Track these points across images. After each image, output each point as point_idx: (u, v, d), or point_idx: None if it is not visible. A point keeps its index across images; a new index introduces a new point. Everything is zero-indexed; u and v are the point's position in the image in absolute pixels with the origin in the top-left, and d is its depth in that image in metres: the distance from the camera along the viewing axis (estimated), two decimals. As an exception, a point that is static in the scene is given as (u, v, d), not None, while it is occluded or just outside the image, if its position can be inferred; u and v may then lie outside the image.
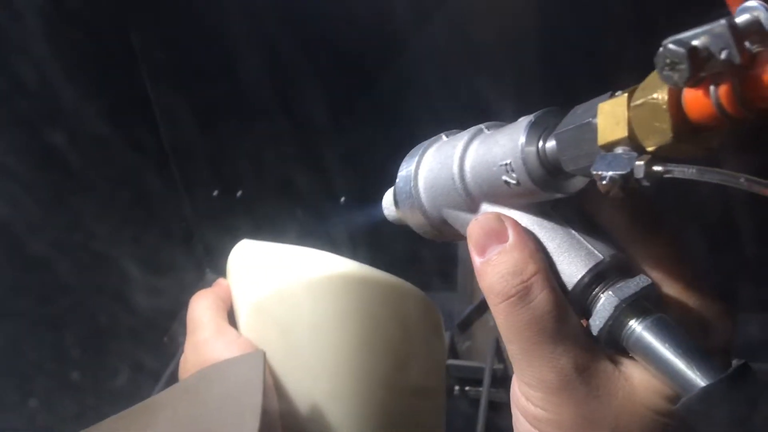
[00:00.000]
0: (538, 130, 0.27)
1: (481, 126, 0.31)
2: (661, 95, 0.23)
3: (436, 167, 0.32)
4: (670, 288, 0.28)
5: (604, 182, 0.23)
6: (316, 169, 0.74)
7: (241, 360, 0.33)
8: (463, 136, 0.31)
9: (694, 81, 0.21)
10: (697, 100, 0.22)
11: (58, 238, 0.61)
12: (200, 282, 0.82)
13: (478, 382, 0.71)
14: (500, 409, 0.72)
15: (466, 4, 0.63)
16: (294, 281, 0.35)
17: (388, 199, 0.35)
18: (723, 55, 0.21)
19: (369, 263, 0.36)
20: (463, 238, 0.33)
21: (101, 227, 0.65)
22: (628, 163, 0.23)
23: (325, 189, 0.75)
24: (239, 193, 0.81)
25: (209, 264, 0.86)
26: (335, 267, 0.35)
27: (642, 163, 0.23)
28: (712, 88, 0.22)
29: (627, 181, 0.23)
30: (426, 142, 0.33)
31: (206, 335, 0.36)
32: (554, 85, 0.60)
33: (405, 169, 0.33)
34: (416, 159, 0.33)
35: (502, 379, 0.72)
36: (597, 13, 0.57)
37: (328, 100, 0.70)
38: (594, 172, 0.24)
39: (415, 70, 0.66)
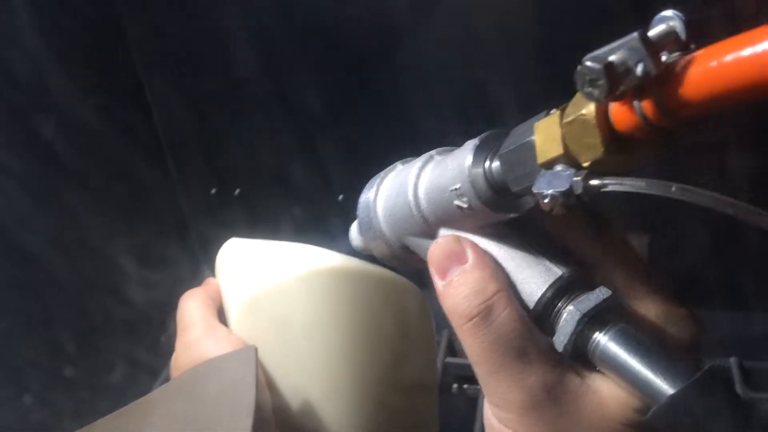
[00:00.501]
0: (483, 153, 0.28)
1: (432, 153, 0.31)
2: (589, 111, 0.23)
3: (393, 195, 0.32)
4: (631, 297, 0.28)
5: (545, 201, 0.24)
6: (314, 166, 0.74)
7: (234, 356, 0.32)
8: (416, 163, 0.31)
9: (615, 96, 0.21)
10: (622, 114, 0.22)
11: (52, 232, 0.60)
12: (196, 279, 0.82)
13: (476, 380, 0.71)
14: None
15: (464, -1, 0.62)
16: (284, 277, 0.35)
17: (354, 230, 0.35)
18: (639, 69, 0.21)
19: (366, 260, 0.36)
20: (426, 264, 0.33)
21: (97, 222, 0.65)
22: (567, 180, 0.23)
23: (324, 186, 0.74)
24: (237, 191, 0.81)
25: (206, 261, 0.85)
26: (325, 261, 0.35)
27: (579, 179, 0.23)
28: (635, 101, 0.22)
29: (567, 197, 0.23)
30: (383, 172, 0.34)
31: (196, 334, 0.36)
32: (552, 80, 0.60)
33: (364, 200, 0.33)
34: (374, 189, 0.33)
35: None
36: (595, 8, 0.57)
37: (327, 96, 0.70)
38: (535, 192, 0.24)
39: (413, 65, 0.66)
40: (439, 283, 0.28)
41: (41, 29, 0.59)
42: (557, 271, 0.27)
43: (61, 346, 0.60)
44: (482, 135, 0.28)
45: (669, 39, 0.21)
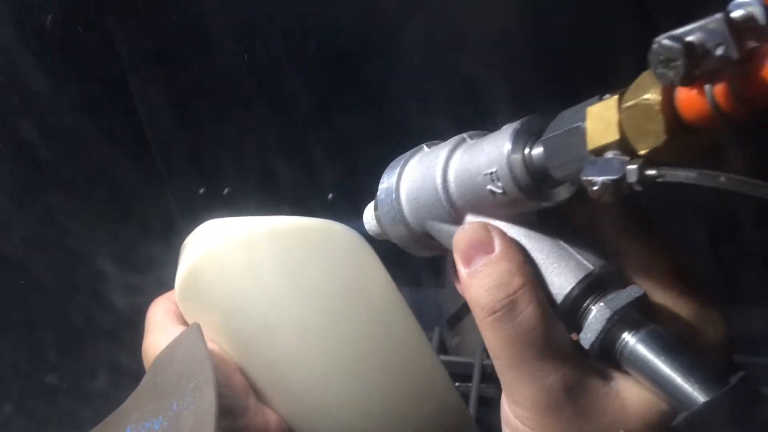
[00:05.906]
0: (523, 137, 0.27)
1: (464, 135, 0.30)
2: (654, 96, 0.22)
3: (418, 178, 0.31)
4: (662, 297, 0.27)
5: (595, 188, 0.23)
6: (302, 165, 0.73)
7: (180, 339, 0.33)
8: (446, 145, 0.30)
9: (689, 79, 0.21)
10: (691, 100, 0.21)
11: (34, 235, 0.59)
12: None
13: (468, 378, 0.71)
14: (490, 405, 0.72)
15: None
16: (199, 251, 0.35)
17: (369, 214, 0.34)
18: (719, 51, 0.20)
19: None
20: (447, 251, 0.32)
21: (81, 224, 0.64)
22: (619, 168, 0.22)
23: (313, 185, 0.74)
24: (226, 191, 0.80)
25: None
26: (230, 226, 0.34)
27: (635, 167, 0.22)
28: (707, 86, 0.21)
29: (619, 186, 0.22)
30: (407, 154, 0.33)
31: (155, 337, 0.36)
32: (545, 75, 0.59)
33: (386, 181, 0.32)
34: (397, 171, 0.32)
35: (492, 375, 0.72)
36: (588, 5, 0.56)
37: (315, 94, 0.69)
38: (584, 178, 0.23)
39: (402, 62, 0.65)
40: (463, 271, 0.27)
41: (21, 26, 0.58)
42: (588, 266, 0.27)
43: (43, 352, 0.59)
44: (522, 119, 0.27)
45: (747, 25, 0.20)
